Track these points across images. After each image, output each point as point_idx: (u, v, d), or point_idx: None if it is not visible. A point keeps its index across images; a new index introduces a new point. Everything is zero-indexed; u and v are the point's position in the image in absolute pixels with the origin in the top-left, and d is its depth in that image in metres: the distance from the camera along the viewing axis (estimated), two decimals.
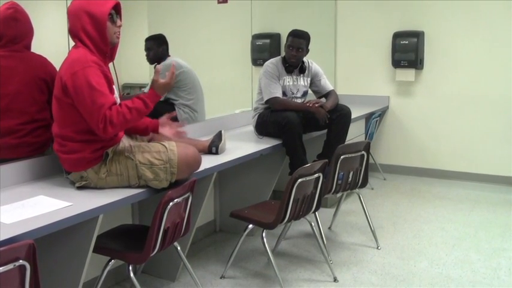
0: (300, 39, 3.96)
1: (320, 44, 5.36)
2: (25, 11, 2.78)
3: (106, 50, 2.60)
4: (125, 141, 2.72)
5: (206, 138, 3.39)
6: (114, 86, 2.64)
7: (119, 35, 2.65)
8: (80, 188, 2.55)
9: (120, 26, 2.64)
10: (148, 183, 2.58)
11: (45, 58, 2.83)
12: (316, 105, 3.87)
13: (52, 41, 3.43)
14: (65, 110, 2.51)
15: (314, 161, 3.55)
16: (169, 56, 4.20)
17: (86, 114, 2.46)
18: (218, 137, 3.36)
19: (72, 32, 2.59)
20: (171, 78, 2.62)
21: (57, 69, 2.82)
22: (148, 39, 4.20)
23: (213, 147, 3.29)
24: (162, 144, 2.67)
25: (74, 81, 2.44)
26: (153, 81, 2.61)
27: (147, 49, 4.18)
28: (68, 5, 3.14)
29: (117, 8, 2.63)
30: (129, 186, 2.58)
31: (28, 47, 2.81)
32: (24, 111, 2.72)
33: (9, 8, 2.73)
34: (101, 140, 2.55)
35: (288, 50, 3.99)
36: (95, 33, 2.54)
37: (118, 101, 2.71)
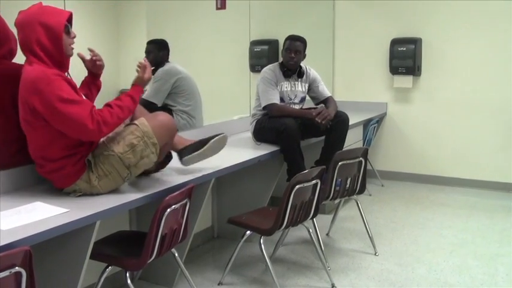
0: (297, 42, 3.98)
1: (318, 51, 5.38)
2: (1, 17, 2.57)
3: (62, 61, 2.46)
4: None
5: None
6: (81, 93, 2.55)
7: (73, 46, 2.53)
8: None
9: (74, 37, 2.53)
10: (140, 168, 2.56)
11: (22, 69, 2.45)
12: (323, 112, 3.81)
13: None
14: (39, 132, 2.42)
15: (312, 167, 3.54)
16: (168, 62, 4.19)
17: (70, 128, 2.39)
18: (197, 146, 2.94)
19: (24, 45, 2.43)
20: (150, 73, 2.66)
21: None
22: (149, 42, 4.19)
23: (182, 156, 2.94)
24: (130, 124, 2.62)
25: (42, 101, 2.32)
26: (140, 78, 2.62)
27: (147, 52, 4.14)
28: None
29: (70, 19, 2.52)
30: (124, 181, 2.57)
31: (6, 56, 2.58)
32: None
33: None
34: (79, 151, 2.49)
35: (285, 54, 4.00)
36: (50, 46, 2.41)
37: None
